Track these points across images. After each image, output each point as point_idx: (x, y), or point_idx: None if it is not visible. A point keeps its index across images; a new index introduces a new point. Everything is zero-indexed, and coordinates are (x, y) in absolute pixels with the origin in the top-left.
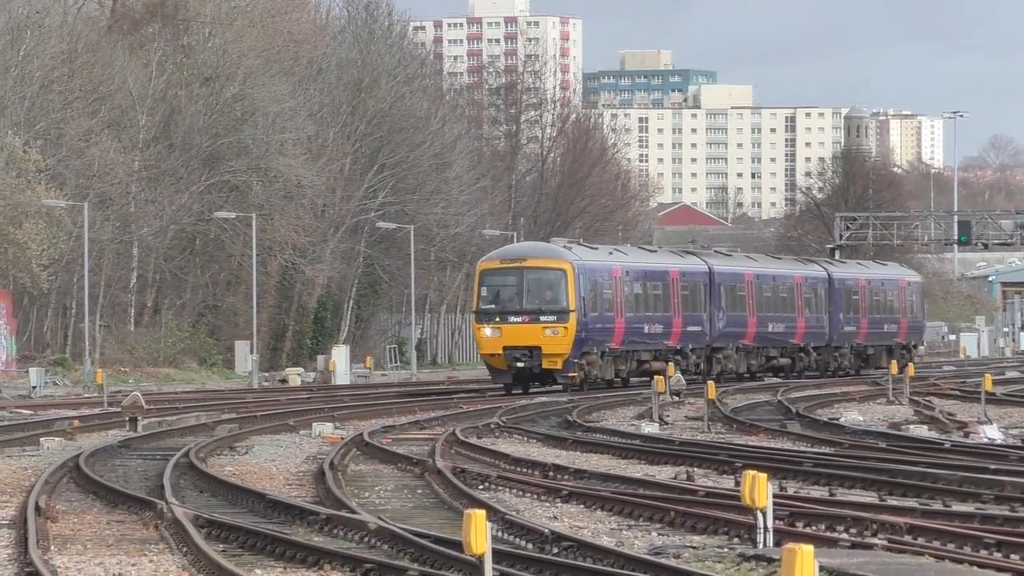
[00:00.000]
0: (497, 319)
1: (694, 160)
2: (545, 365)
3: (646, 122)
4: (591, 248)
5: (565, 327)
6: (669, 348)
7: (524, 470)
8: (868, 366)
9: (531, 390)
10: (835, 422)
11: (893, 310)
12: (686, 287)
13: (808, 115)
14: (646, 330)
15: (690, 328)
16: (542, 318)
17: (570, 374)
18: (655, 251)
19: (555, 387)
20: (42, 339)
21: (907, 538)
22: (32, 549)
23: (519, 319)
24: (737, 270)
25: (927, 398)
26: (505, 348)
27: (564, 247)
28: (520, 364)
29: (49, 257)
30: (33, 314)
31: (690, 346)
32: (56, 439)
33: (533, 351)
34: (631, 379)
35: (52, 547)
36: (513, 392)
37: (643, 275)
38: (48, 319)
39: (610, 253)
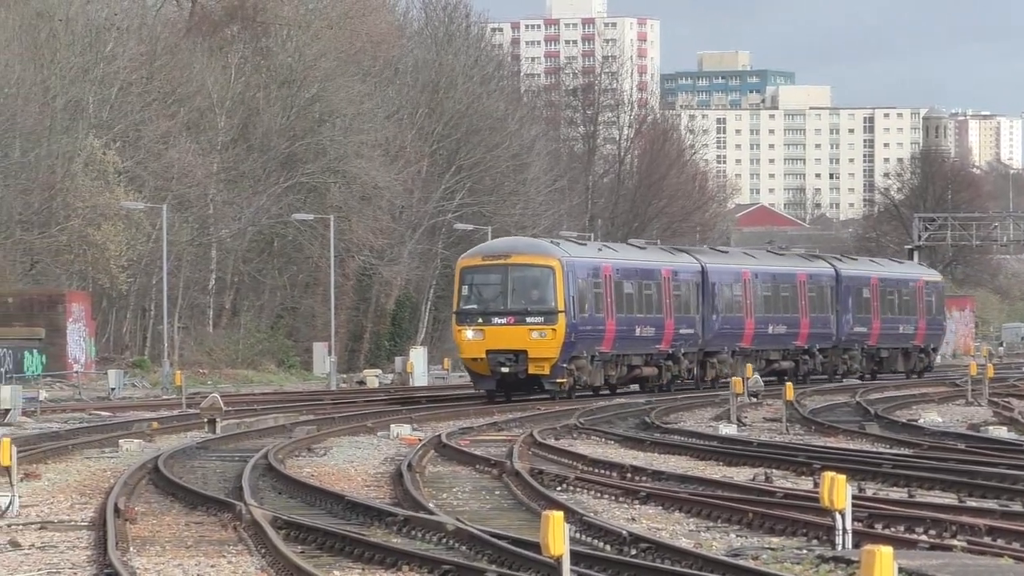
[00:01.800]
0: (479, 320)
1: (772, 161)
2: (532, 370)
3: (724, 123)
4: (580, 244)
5: (553, 329)
6: (661, 352)
7: (602, 471)
8: (883, 370)
9: (513, 398)
10: (914, 423)
11: (910, 310)
12: (678, 287)
13: (887, 116)
14: (638, 333)
15: (683, 330)
16: (528, 319)
17: (558, 380)
18: (645, 248)
19: (542, 396)
20: (121, 341)
21: (987, 539)
22: (111, 550)
23: (503, 320)
24: (733, 268)
25: (1006, 399)
26: (488, 352)
27: (552, 242)
28: (505, 369)
29: (128, 259)
30: (112, 316)
31: (683, 350)
32: (135, 441)
33: (519, 355)
34: (620, 386)
35: (131, 548)
36: (496, 400)
37: (634, 274)
38: (127, 321)
39: (599, 250)
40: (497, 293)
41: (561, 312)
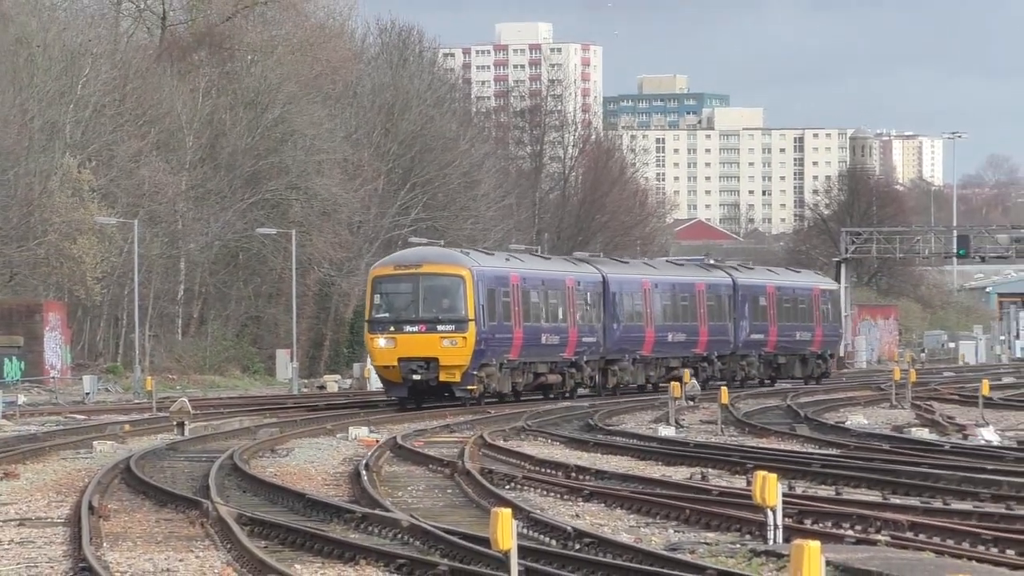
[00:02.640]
0: (391, 328)
1: (708, 178)
2: (443, 377)
3: (663, 143)
4: (488, 254)
5: (464, 337)
6: (564, 360)
7: (548, 471)
8: (781, 376)
9: (424, 405)
10: (841, 425)
11: (806, 318)
12: (581, 296)
13: (815, 136)
14: (543, 341)
15: (585, 339)
16: (439, 327)
17: (469, 387)
18: (549, 259)
19: (453, 403)
20: (95, 348)
21: (909, 535)
22: (86, 546)
23: (415, 328)
24: (633, 278)
25: (928, 402)
26: (400, 359)
27: (462, 252)
28: (416, 376)
29: (102, 271)
30: (87, 325)
31: (585, 358)
32: (108, 442)
33: (430, 362)
34: (525, 393)
35: (104, 544)
36: (408, 407)
37: (540, 283)
38: (101, 329)
39: (507, 260)
40: (408, 302)
41: (471, 320)
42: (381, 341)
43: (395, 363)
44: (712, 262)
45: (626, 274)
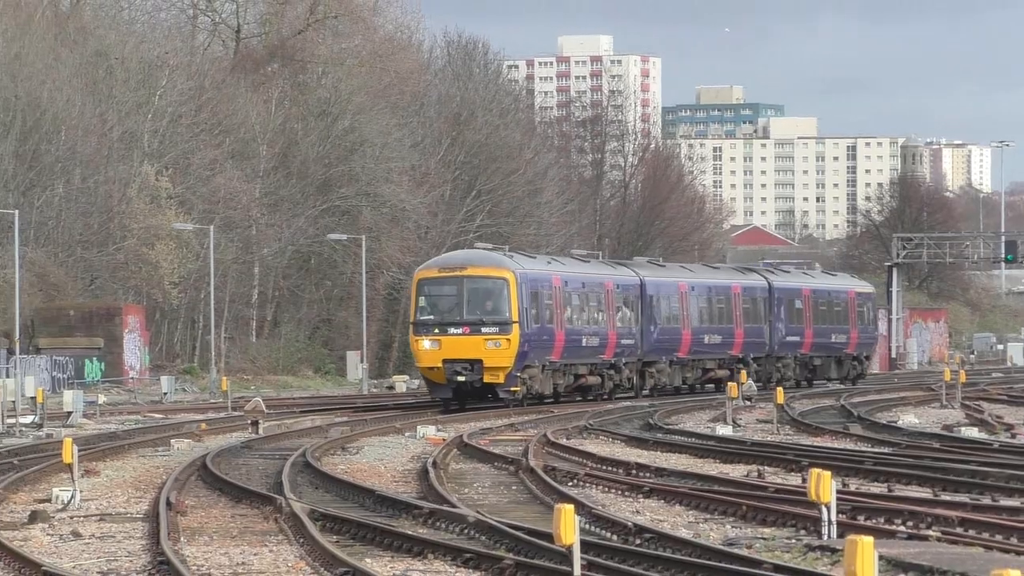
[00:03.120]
0: (436, 331)
1: (763, 186)
2: (487, 379)
3: (720, 151)
4: (530, 257)
5: (508, 339)
6: (604, 362)
7: (609, 468)
8: (816, 377)
9: (467, 406)
10: (893, 424)
11: (842, 320)
12: (620, 299)
13: (867, 144)
14: (584, 343)
15: (624, 341)
16: (483, 329)
17: (512, 388)
18: (588, 262)
19: (497, 405)
20: (172, 350)
21: (959, 530)
22: (164, 540)
23: (459, 331)
24: (669, 281)
25: (977, 402)
26: (445, 361)
27: (505, 255)
28: (460, 378)
29: (179, 275)
30: (164, 327)
31: (623, 360)
32: (185, 440)
33: (474, 364)
34: (564, 395)
35: (182, 538)
36: (451, 409)
37: (581, 286)
38: (178, 332)
39: (548, 263)
40: (453, 304)
41: (515, 322)
42: (426, 343)
43: (439, 364)
44: (748, 266)
45: (663, 277)
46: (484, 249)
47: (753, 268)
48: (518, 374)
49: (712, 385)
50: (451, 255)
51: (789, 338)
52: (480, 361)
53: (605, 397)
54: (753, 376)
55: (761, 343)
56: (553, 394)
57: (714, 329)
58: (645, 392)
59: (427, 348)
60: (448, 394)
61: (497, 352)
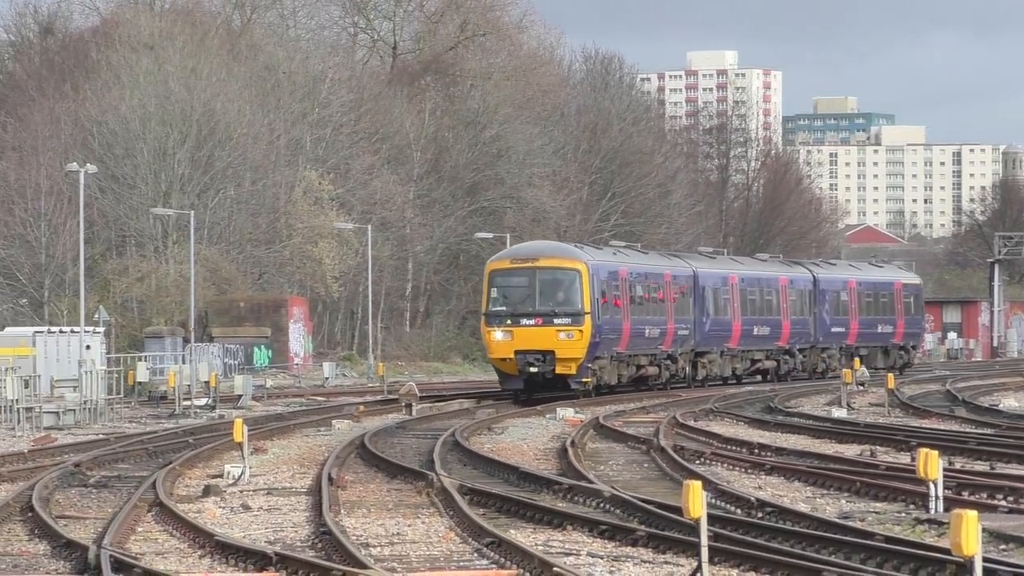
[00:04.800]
0: (508, 322)
1: (875, 188)
2: (559, 370)
3: (835, 157)
4: (598, 248)
5: (580, 330)
6: (663, 352)
7: (733, 448)
8: (864, 366)
9: (535, 396)
10: (995, 408)
11: (888, 311)
12: (677, 290)
13: (972, 151)
14: (647, 334)
15: (680, 332)
16: (556, 320)
17: (584, 379)
18: (647, 253)
19: (567, 394)
20: (333, 338)
21: None
22: (326, 512)
23: (531, 322)
24: (721, 273)
25: None
26: (517, 352)
27: (576, 246)
28: (533, 369)
29: (339, 271)
30: (326, 318)
31: (679, 350)
32: (345, 421)
33: (546, 355)
34: (623, 385)
35: (342, 511)
36: (520, 400)
37: (643, 277)
38: (338, 322)
39: (615, 254)
40: (525, 295)
41: (587, 314)
42: (498, 334)
43: (511, 356)
44: (794, 260)
45: (714, 269)
46: (554, 241)
47: (799, 262)
48: (589, 365)
49: (760, 376)
50: (523, 246)
51: (835, 329)
52: (552, 352)
53: (661, 387)
54: (799, 367)
55: (807, 334)
56: (619, 384)
57: (762, 321)
58: (696, 382)
59: (499, 339)
60: (519, 385)
61: (569, 343)
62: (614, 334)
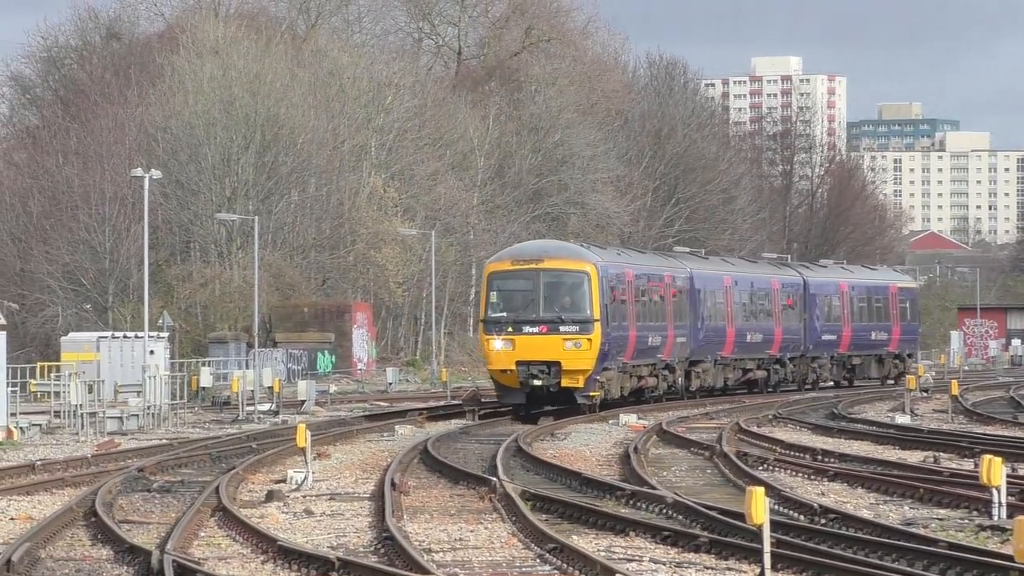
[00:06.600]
0: (509, 329)
1: (940, 194)
2: (565, 383)
3: (899, 163)
4: (603, 248)
5: (589, 339)
6: (662, 362)
7: (796, 454)
8: (856, 377)
9: (533, 411)
10: None
11: (882, 317)
12: (675, 294)
13: None
14: (649, 342)
15: (679, 340)
16: (562, 328)
17: (591, 393)
18: (645, 253)
19: (570, 409)
20: (397, 344)
21: None
22: (388, 517)
23: (535, 329)
24: (715, 274)
25: None
26: (519, 363)
27: (583, 246)
28: (536, 381)
29: (403, 276)
30: (390, 323)
31: (676, 360)
32: (408, 427)
33: (551, 367)
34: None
35: (404, 516)
36: (520, 415)
37: (646, 279)
38: (402, 327)
39: (618, 253)
40: (528, 300)
41: (597, 320)
42: (497, 343)
43: (513, 367)
44: (784, 261)
45: (708, 270)
46: (560, 240)
47: (788, 264)
48: (597, 377)
49: (749, 387)
50: (525, 245)
51: (825, 336)
52: (558, 363)
53: (657, 400)
54: (790, 377)
55: (797, 341)
56: (620, 398)
57: (756, 327)
58: (689, 393)
59: (499, 349)
60: (522, 399)
61: (577, 353)
62: (622, 343)
